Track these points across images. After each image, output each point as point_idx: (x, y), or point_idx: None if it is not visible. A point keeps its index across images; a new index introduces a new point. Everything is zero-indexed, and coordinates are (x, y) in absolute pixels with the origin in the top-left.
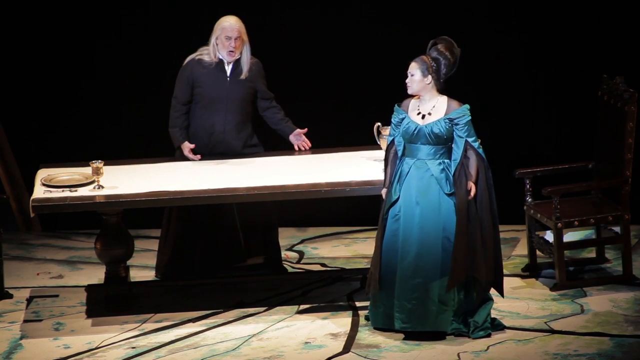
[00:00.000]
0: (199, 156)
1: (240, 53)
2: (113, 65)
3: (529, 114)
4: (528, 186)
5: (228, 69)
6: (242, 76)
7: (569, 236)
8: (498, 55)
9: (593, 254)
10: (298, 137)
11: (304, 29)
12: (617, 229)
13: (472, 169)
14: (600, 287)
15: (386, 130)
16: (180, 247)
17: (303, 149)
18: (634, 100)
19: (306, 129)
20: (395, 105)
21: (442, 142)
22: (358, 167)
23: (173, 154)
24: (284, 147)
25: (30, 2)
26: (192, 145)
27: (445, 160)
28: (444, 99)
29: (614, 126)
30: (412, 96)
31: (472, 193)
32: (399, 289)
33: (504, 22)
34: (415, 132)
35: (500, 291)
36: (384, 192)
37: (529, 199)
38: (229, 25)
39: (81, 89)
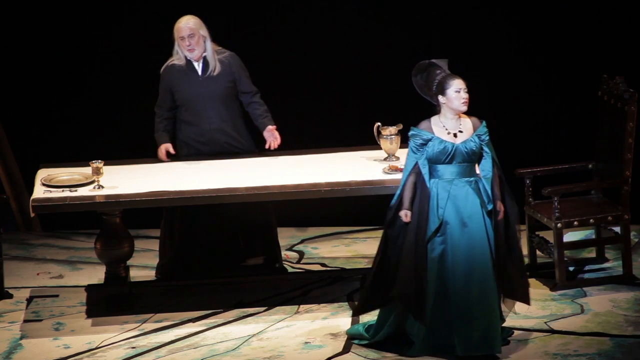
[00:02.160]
0: (166, 157)
1: (205, 50)
2: (113, 65)
3: (529, 114)
4: (528, 186)
5: (199, 67)
6: (214, 72)
7: (569, 236)
8: (498, 55)
9: (593, 254)
10: (270, 133)
11: (304, 28)
12: (617, 229)
13: (497, 188)
14: (600, 287)
15: (386, 130)
16: (182, 248)
17: (273, 147)
18: (634, 100)
19: (275, 126)
20: (413, 128)
21: (475, 159)
22: (358, 167)
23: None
24: (284, 147)
25: (30, 2)
26: (169, 147)
27: (476, 178)
28: (464, 116)
29: (614, 126)
30: (426, 119)
31: (502, 212)
32: (457, 315)
33: (504, 22)
34: (453, 151)
35: (528, 302)
36: (404, 213)
37: (529, 199)
38: (180, 25)
39: (81, 89)
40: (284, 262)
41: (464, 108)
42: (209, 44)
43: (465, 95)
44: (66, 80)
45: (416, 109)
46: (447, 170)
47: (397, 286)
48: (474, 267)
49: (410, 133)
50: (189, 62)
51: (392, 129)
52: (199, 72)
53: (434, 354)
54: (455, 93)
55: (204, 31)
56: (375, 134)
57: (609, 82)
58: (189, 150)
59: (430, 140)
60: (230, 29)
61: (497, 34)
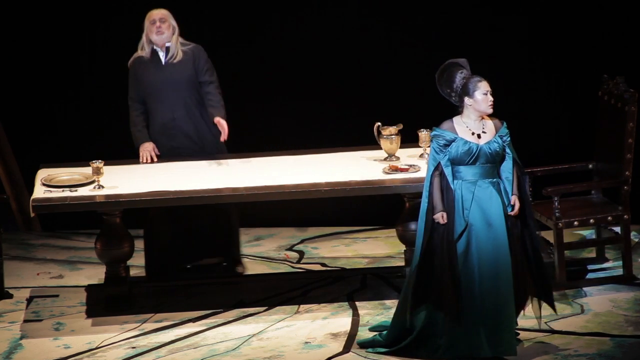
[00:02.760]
0: (148, 159)
1: (171, 38)
2: (113, 65)
3: (529, 114)
4: (528, 186)
5: (162, 56)
6: (175, 59)
7: (569, 236)
8: (498, 55)
9: (593, 254)
10: (219, 125)
11: (305, 29)
12: (617, 229)
13: (515, 185)
14: (601, 287)
15: (386, 130)
16: (147, 251)
17: (222, 139)
18: (634, 100)
19: (220, 117)
20: (435, 129)
21: (498, 160)
22: (358, 167)
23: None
24: (284, 147)
25: (30, 2)
26: (152, 146)
27: (499, 179)
28: (486, 117)
29: (614, 126)
30: (448, 119)
31: (517, 207)
32: (487, 315)
33: (504, 22)
34: (477, 152)
35: (552, 305)
36: (441, 215)
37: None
38: (153, 12)
39: (81, 89)
40: (286, 261)
41: (491, 110)
42: (176, 36)
43: (492, 98)
44: (66, 80)
45: (416, 109)
46: (469, 172)
47: (435, 289)
48: (501, 268)
49: (432, 134)
50: (153, 52)
51: (393, 129)
52: (163, 60)
53: (460, 356)
54: (483, 96)
55: (173, 22)
56: (376, 134)
57: (609, 82)
58: (155, 139)
59: (454, 141)
60: (231, 30)
61: (497, 34)
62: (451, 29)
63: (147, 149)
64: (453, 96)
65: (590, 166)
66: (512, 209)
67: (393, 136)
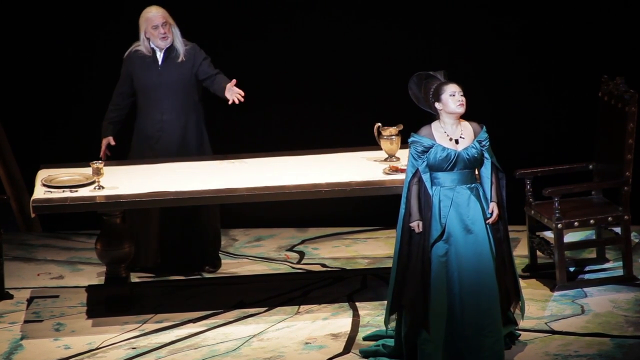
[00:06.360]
0: (103, 152)
1: (173, 37)
2: (113, 65)
3: (530, 114)
4: (528, 186)
5: (160, 57)
6: (179, 59)
7: (569, 237)
8: (498, 55)
9: (593, 255)
10: (230, 90)
11: (305, 30)
12: (617, 229)
13: (494, 191)
14: (601, 288)
15: (386, 131)
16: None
17: (237, 101)
18: (634, 100)
19: (235, 80)
20: (413, 135)
21: (477, 165)
22: (358, 167)
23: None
24: (284, 147)
25: (30, 2)
26: (110, 140)
27: (477, 184)
28: (464, 122)
29: (614, 127)
30: (427, 124)
31: (495, 214)
32: (469, 324)
33: (504, 22)
34: (455, 158)
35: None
36: (417, 224)
37: (529, 200)
38: (152, 15)
39: (81, 89)
40: (286, 261)
41: (460, 110)
42: (177, 31)
43: (461, 98)
44: (66, 80)
45: (416, 110)
46: (448, 178)
47: (406, 294)
48: (483, 273)
49: (410, 140)
50: (151, 51)
51: (393, 130)
52: (160, 61)
53: None
54: (450, 97)
55: (171, 20)
56: (376, 134)
57: (609, 82)
58: (139, 138)
59: (431, 147)
60: (231, 31)
61: (498, 34)
62: (451, 29)
63: (102, 144)
64: (430, 105)
65: (591, 167)
66: (491, 216)
67: (393, 137)
